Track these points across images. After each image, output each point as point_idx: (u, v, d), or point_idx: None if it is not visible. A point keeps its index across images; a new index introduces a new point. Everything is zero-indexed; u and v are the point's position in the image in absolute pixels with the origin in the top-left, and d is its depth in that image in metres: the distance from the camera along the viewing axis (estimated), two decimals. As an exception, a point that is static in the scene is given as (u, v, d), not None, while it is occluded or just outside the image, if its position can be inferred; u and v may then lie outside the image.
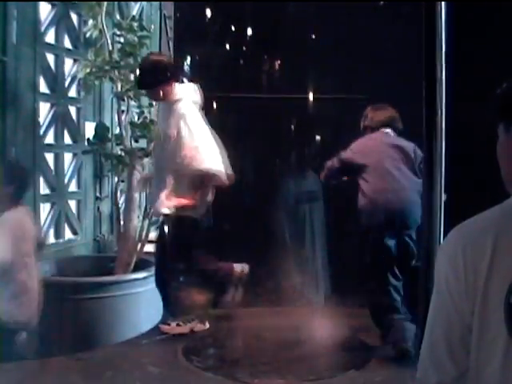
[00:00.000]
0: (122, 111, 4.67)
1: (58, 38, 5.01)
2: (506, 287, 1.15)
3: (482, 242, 1.19)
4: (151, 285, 4.28)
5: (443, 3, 3.25)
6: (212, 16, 4.36)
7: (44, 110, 4.89)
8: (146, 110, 4.63)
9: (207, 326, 3.94)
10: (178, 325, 3.88)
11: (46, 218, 4.97)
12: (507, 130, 1.25)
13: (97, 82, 4.63)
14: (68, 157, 5.24)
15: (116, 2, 5.33)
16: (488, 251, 1.17)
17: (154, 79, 3.81)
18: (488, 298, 1.17)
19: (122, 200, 5.13)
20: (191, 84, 3.99)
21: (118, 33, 4.65)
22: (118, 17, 5.14)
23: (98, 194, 5.50)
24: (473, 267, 1.19)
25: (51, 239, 5.06)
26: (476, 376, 1.20)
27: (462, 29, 3.59)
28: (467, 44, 3.67)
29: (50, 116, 4.95)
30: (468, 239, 1.23)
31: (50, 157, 5.00)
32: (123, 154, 4.58)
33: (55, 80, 4.98)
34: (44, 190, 4.92)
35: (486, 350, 1.18)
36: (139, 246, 4.52)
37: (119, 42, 4.67)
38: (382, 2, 4.28)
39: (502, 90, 1.27)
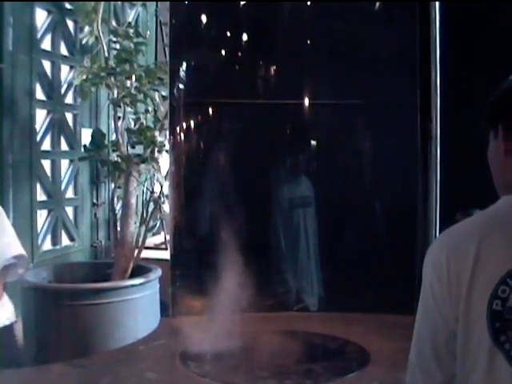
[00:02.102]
0: (119, 118, 4.67)
1: (54, 44, 5.03)
2: (488, 294, 1.16)
3: (465, 248, 1.20)
4: (148, 291, 4.29)
5: (437, 10, 3.27)
6: (208, 22, 4.37)
7: (40, 116, 4.90)
8: (142, 117, 4.64)
9: None
10: None
11: (43, 225, 4.98)
12: (495, 136, 1.27)
13: (93, 89, 4.63)
14: (65, 163, 5.26)
15: (112, 9, 5.35)
16: (471, 258, 1.18)
17: None
18: (471, 304, 1.18)
19: (118, 206, 5.14)
20: None
21: (114, 39, 4.66)
22: (113, 23, 5.16)
23: (94, 201, 5.52)
24: (456, 274, 1.20)
25: (48, 246, 5.07)
26: (463, 382, 1.21)
27: (457, 35, 3.60)
28: (462, 49, 3.68)
29: (46, 123, 4.96)
30: (452, 245, 1.24)
31: (46, 163, 5.01)
32: (120, 160, 4.59)
33: (51, 87, 4.99)
34: (41, 196, 4.94)
35: (470, 356, 1.19)
36: (136, 252, 4.52)
37: (115, 49, 4.68)
38: (376, 8, 4.29)
39: (491, 98, 1.30)
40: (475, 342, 1.18)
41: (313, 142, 4.43)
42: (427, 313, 1.26)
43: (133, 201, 4.59)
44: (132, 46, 4.57)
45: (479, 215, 1.27)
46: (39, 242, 4.87)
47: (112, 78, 4.46)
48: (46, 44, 4.96)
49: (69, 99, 5.27)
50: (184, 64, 4.30)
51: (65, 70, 5.19)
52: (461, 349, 1.20)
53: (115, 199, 5.12)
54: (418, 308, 1.29)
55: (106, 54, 4.51)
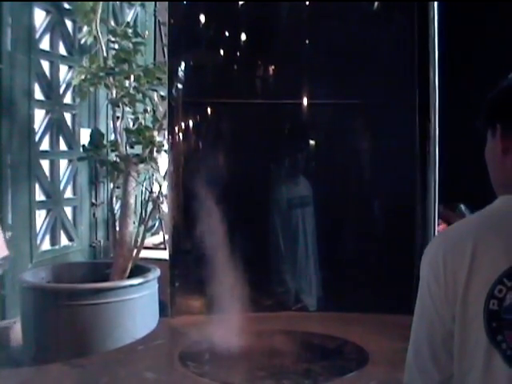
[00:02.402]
0: (117, 117, 4.67)
1: (52, 44, 5.03)
2: (485, 294, 1.16)
3: (461, 248, 1.20)
4: (147, 291, 4.29)
5: (436, 10, 3.28)
6: (206, 22, 4.37)
7: (39, 116, 4.90)
8: (140, 117, 4.64)
9: None
10: None
11: (42, 225, 4.98)
12: (493, 135, 1.27)
13: (92, 89, 4.63)
14: (63, 163, 5.26)
15: (110, 9, 5.35)
16: (467, 258, 1.18)
17: None
18: (467, 304, 1.18)
19: (117, 206, 5.14)
20: None
21: (113, 39, 4.65)
22: (112, 23, 5.16)
23: (93, 201, 5.52)
24: (452, 274, 1.19)
25: (47, 246, 5.07)
26: (460, 382, 1.21)
27: (455, 35, 3.61)
28: (460, 49, 3.69)
29: (45, 123, 4.96)
30: (448, 245, 1.24)
31: (45, 163, 5.01)
32: (118, 160, 4.59)
33: (50, 87, 4.99)
34: (39, 196, 4.93)
35: (467, 356, 1.19)
36: (135, 252, 4.52)
37: (114, 49, 4.68)
38: (375, 8, 4.30)
39: (489, 96, 1.29)
40: (472, 342, 1.18)
41: (311, 142, 4.43)
42: (424, 313, 1.26)
43: (131, 201, 4.59)
44: (131, 45, 4.57)
45: (476, 215, 1.28)
46: (38, 242, 4.87)
47: (111, 78, 4.46)
48: (45, 44, 4.96)
49: (67, 99, 5.27)
50: (183, 64, 4.31)
51: (63, 69, 5.18)
52: (458, 349, 1.20)
53: (114, 199, 5.12)
54: (415, 308, 1.29)
55: (105, 54, 4.51)
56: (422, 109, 4.00)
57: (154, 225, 6.13)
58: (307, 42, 4.33)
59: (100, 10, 4.44)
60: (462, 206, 3.83)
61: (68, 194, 5.33)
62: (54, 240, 5.13)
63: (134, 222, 4.69)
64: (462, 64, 3.61)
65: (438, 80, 3.76)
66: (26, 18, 4.64)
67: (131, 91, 4.51)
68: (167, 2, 4.54)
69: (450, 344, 1.21)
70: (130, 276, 4.41)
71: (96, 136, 4.84)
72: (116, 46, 4.66)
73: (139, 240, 4.56)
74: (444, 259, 1.21)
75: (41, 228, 4.95)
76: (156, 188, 4.85)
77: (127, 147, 4.64)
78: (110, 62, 4.50)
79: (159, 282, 4.46)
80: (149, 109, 4.60)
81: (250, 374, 3.35)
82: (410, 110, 4.09)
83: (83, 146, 4.89)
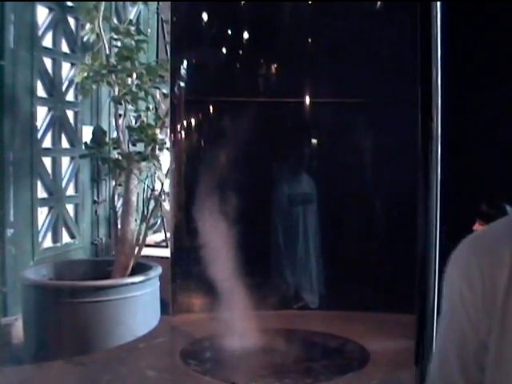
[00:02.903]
0: (120, 115, 4.67)
1: (55, 42, 5.03)
2: None
3: (499, 253, 1.12)
4: (148, 288, 4.29)
5: (439, 10, 3.27)
6: (209, 20, 4.37)
7: (41, 114, 4.90)
8: (143, 114, 4.64)
9: None
10: None
11: (44, 222, 4.98)
12: None
13: (94, 86, 4.63)
14: (65, 161, 5.25)
15: (113, 7, 5.35)
16: (507, 263, 1.10)
17: None
18: (507, 314, 1.11)
19: (119, 204, 5.14)
20: None
21: (115, 37, 4.65)
22: (115, 21, 5.15)
23: (95, 198, 5.51)
24: (490, 280, 1.12)
25: (49, 243, 5.07)
26: None
27: (458, 34, 3.60)
28: (463, 49, 3.68)
29: (47, 120, 4.96)
30: (483, 251, 1.16)
31: (47, 161, 5.01)
32: (120, 157, 4.59)
33: (52, 84, 4.99)
34: (41, 193, 4.93)
35: (503, 369, 1.12)
36: (137, 249, 4.52)
37: (116, 46, 4.68)
38: (378, 7, 4.29)
39: None
40: (509, 354, 1.11)
41: (314, 141, 4.43)
42: (454, 322, 1.19)
43: (133, 198, 4.59)
44: (133, 43, 4.56)
45: (509, 218, 1.21)
46: (40, 239, 4.87)
47: (113, 76, 4.45)
48: (48, 41, 4.96)
49: (70, 96, 5.26)
50: (185, 62, 4.31)
51: (66, 67, 5.18)
52: (493, 361, 1.13)
53: (116, 197, 5.13)
54: (440, 319, 1.23)
55: (107, 52, 4.50)
56: (424, 108, 3.99)
57: (156, 222, 6.13)
58: (309, 40, 4.33)
59: (103, 8, 4.44)
60: (508, 207, 3.83)
61: (70, 191, 5.33)
62: (56, 237, 5.13)
63: (136, 220, 4.70)
64: (465, 63, 3.60)
65: (441, 79, 3.76)
66: (28, 16, 4.64)
67: (133, 89, 4.51)
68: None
69: (481, 355, 1.14)
70: (132, 274, 4.41)
71: (98, 133, 4.84)
72: (118, 44, 4.66)
73: (141, 238, 4.56)
74: (480, 267, 1.13)
75: (42, 225, 4.95)
76: (158, 186, 4.85)
77: (129, 145, 4.64)
78: (113, 60, 4.50)
79: (161, 280, 4.46)
80: (151, 106, 4.60)
81: (251, 372, 3.35)
82: (412, 109, 4.08)
83: (85, 143, 4.89)
